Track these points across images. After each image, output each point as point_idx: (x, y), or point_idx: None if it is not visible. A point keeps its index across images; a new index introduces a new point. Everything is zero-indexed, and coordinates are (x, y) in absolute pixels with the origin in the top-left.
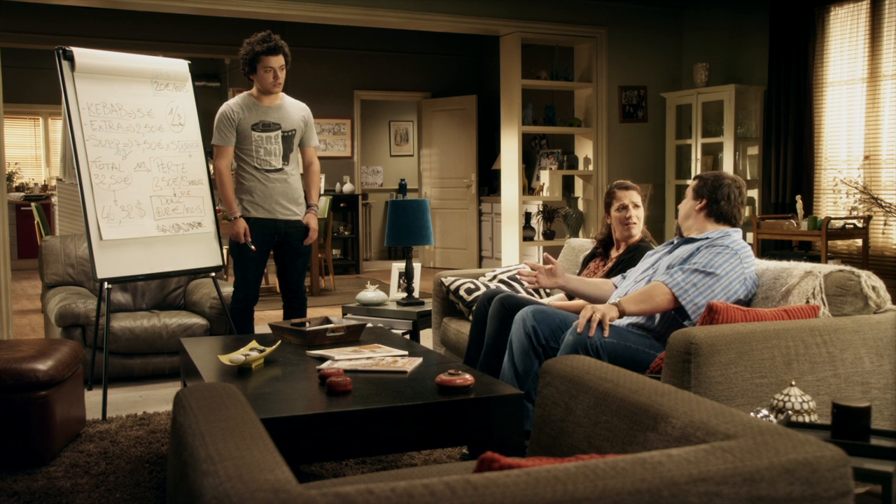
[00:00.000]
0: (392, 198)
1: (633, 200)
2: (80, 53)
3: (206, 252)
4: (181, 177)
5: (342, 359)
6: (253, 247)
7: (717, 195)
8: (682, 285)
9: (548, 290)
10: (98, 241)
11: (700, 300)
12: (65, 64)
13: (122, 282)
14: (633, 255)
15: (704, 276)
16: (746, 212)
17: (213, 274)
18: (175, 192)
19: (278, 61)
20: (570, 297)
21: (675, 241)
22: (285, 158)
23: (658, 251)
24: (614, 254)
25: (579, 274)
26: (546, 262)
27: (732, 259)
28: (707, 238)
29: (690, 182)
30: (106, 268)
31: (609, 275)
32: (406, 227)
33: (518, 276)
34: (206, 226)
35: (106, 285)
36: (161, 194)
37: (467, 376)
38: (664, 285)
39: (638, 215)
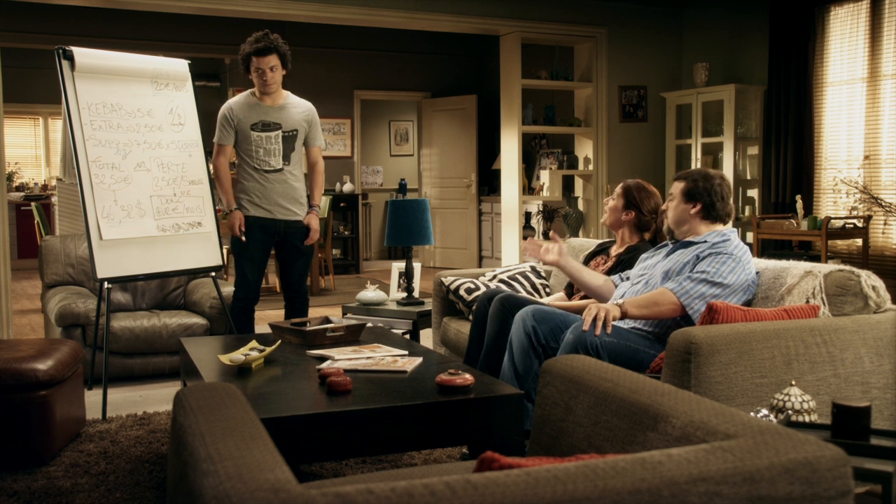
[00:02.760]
0: (392, 198)
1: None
2: (80, 53)
3: (206, 252)
4: (181, 176)
5: (342, 358)
6: (243, 238)
7: (711, 197)
8: (691, 294)
9: (548, 290)
10: (98, 241)
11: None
12: (65, 64)
13: (122, 281)
14: (632, 255)
15: (712, 286)
16: (746, 211)
17: (213, 274)
18: (175, 192)
19: (268, 62)
20: (570, 295)
21: (670, 246)
22: (286, 158)
23: (654, 254)
24: (614, 252)
25: None
26: (552, 239)
27: (737, 268)
28: (705, 241)
29: (675, 183)
30: (106, 267)
31: (609, 273)
32: (406, 226)
33: (523, 249)
34: (207, 225)
35: (106, 285)
36: (161, 194)
37: (467, 376)
38: (671, 293)
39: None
